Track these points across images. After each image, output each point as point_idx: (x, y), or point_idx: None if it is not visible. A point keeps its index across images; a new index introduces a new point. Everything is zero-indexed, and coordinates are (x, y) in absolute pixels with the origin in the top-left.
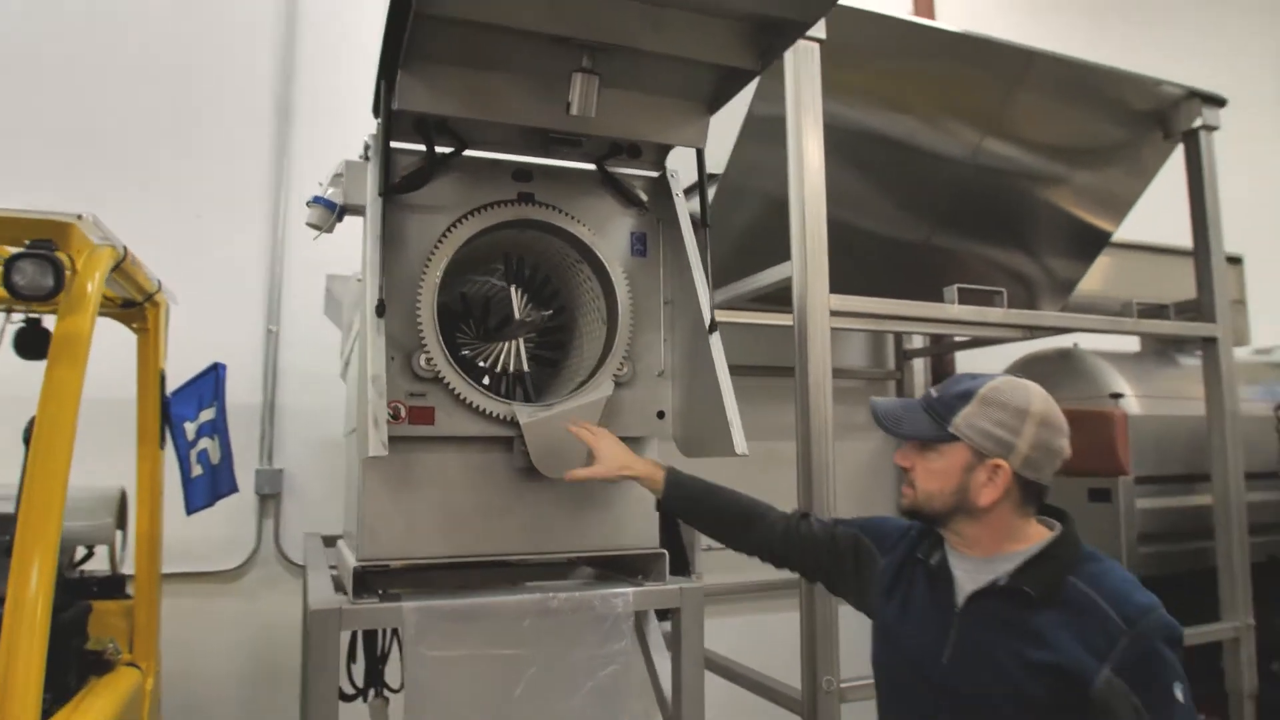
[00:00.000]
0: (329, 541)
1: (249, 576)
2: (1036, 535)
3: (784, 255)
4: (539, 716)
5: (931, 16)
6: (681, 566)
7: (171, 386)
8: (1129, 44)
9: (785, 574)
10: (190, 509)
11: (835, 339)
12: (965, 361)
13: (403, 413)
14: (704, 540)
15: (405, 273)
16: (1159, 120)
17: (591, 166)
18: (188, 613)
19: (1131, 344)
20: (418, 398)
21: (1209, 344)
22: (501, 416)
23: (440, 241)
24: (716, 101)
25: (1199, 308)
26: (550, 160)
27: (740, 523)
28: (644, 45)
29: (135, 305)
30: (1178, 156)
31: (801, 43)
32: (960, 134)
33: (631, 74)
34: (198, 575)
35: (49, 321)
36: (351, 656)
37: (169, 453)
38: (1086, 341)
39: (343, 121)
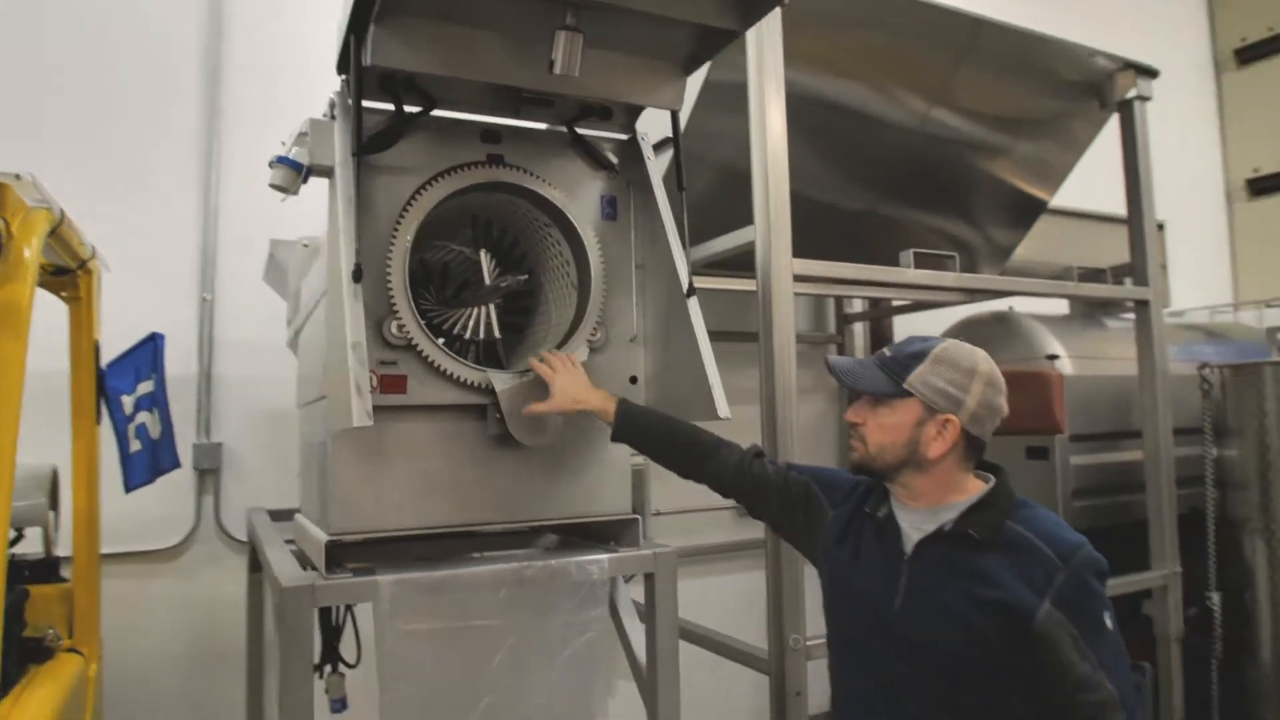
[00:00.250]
0: (276, 516)
1: (188, 555)
2: (974, 487)
3: (737, 223)
4: (518, 687)
5: None
6: None
7: (104, 360)
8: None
9: (732, 538)
10: (129, 486)
11: None
12: (902, 325)
13: (374, 382)
14: (654, 505)
15: (372, 237)
16: (1095, 91)
17: (559, 129)
18: (124, 594)
19: (1060, 307)
20: (389, 366)
21: (1142, 306)
22: (476, 384)
23: (410, 204)
24: (693, 63)
25: (1132, 272)
26: (518, 121)
27: (693, 454)
28: (629, 3)
29: (68, 273)
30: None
31: None
32: (909, 103)
33: (609, 33)
34: (133, 555)
35: None
36: None
37: (106, 428)
38: (1020, 305)
39: (279, 78)
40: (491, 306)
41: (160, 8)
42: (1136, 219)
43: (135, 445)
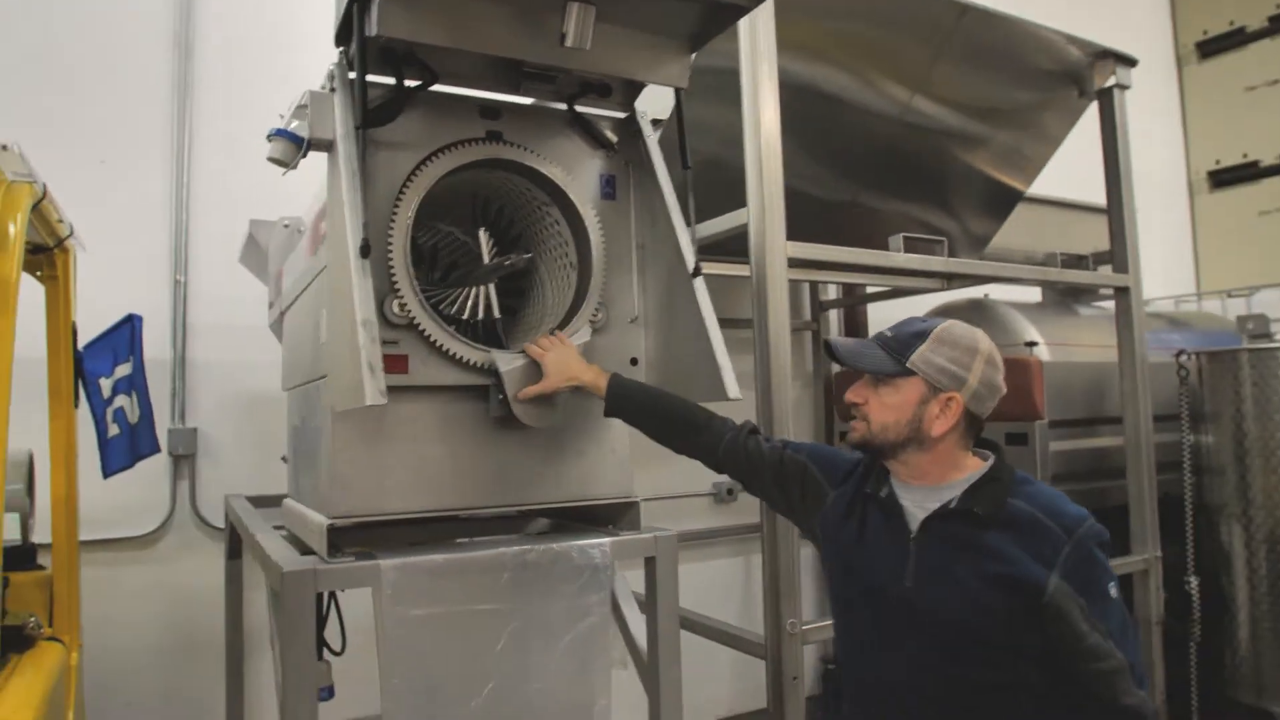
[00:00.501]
0: (256, 502)
1: (164, 542)
2: (974, 465)
3: (714, 213)
4: (521, 671)
5: None
6: None
7: (81, 342)
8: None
9: (710, 524)
10: (108, 471)
11: None
12: (876, 311)
13: None
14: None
15: (370, 213)
16: (1074, 79)
17: (558, 106)
18: (100, 582)
19: (1033, 295)
20: (390, 345)
21: (1122, 293)
22: (479, 364)
23: (411, 179)
24: (699, 40)
25: (1111, 259)
26: (517, 98)
27: (686, 429)
28: None
29: (44, 251)
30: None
31: None
32: (891, 91)
33: (617, 8)
34: (108, 542)
35: None
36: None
37: (83, 412)
38: (995, 293)
39: (249, 52)
40: (491, 286)
41: None
42: (1116, 206)
43: (114, 429)
